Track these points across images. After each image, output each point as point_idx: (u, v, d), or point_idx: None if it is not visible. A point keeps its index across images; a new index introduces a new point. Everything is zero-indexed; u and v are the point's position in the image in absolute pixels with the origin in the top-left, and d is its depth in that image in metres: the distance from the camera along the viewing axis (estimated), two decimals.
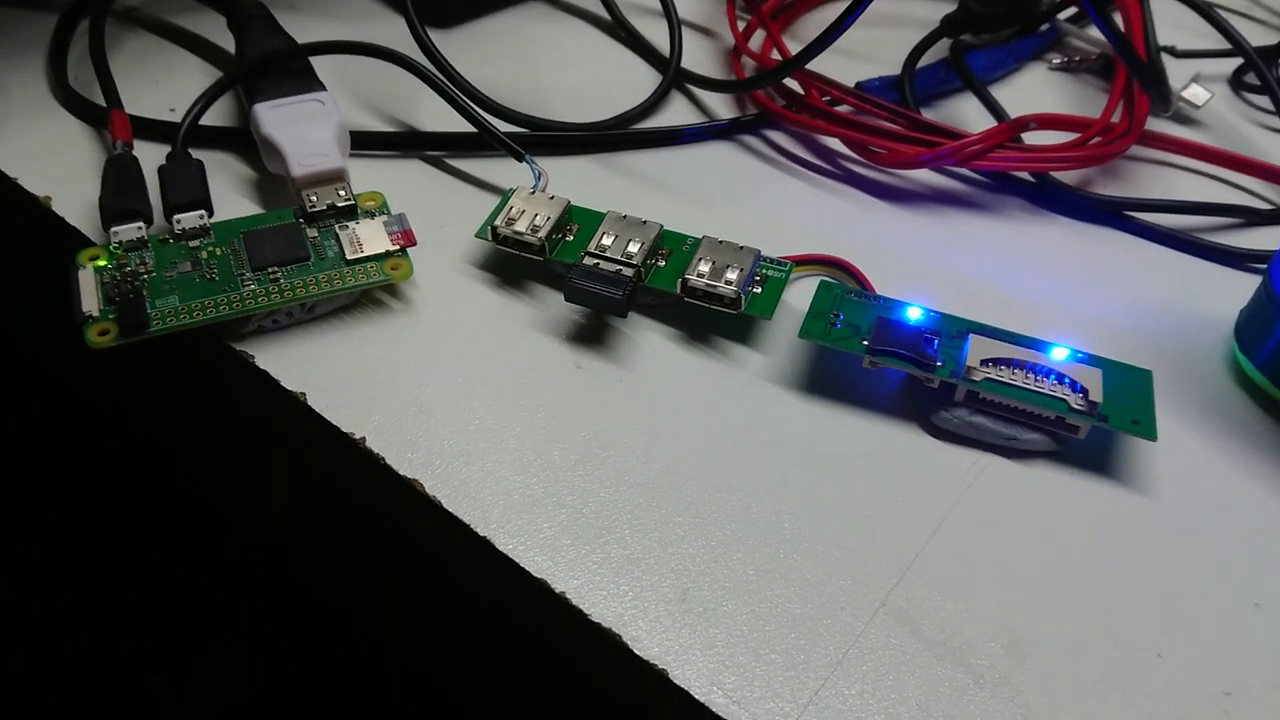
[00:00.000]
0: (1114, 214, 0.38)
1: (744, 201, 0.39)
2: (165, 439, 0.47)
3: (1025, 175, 0.39)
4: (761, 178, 0.40)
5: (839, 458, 0.30)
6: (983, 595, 0.27)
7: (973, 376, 0.30)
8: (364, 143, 0.39)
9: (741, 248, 0.33)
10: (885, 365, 0.31)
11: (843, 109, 0.41)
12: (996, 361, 0.30)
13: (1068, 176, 0.39)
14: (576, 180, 0.38)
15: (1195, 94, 0.43)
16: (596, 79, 0.44)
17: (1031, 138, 0.39)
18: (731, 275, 0.32)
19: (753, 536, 0.28)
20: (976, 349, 0.30)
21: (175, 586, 0.50)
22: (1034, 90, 0.45)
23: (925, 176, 0.39)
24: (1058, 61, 0.46)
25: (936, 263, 0.36)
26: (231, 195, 0.37)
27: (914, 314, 0.32)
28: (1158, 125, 0.41)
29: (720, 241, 0.33)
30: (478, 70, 0.42)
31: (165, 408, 0.43)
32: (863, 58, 0.44)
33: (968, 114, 0.43)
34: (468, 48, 0.45)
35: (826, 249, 0.36)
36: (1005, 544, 0.28)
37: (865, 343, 0.31)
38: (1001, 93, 0.43)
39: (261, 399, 0.32)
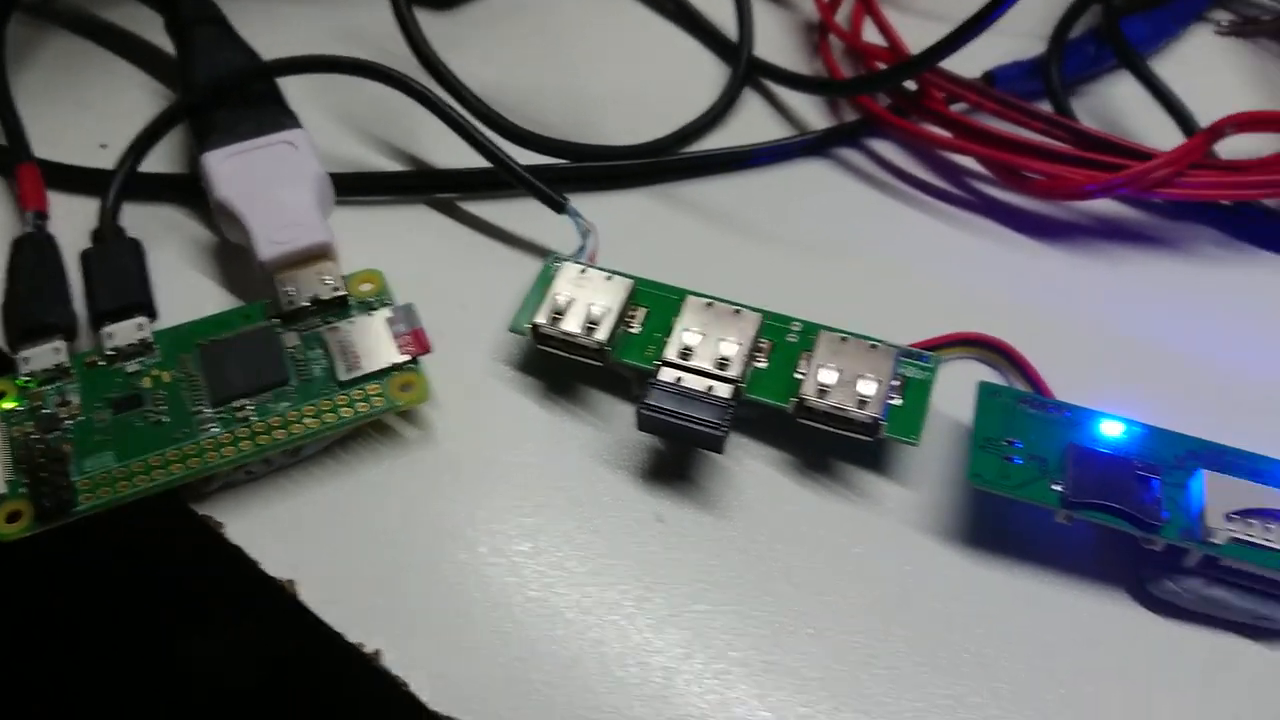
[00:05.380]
0: None
1: (847, 244, 0.30)
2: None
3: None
4: (867, 208, 0.31)
5: (1028, 647, 0.22)
6: None
7: (1213, 539, 0.22)
8: (350, 186, 0.30)
9: (875, 346, 0.24)
10: (1090, 520, 0.22)
11: (962, 107, 0.31)
12: (1244, 513, 0.22)
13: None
14: (625, 224, 0.29)
15: None
16: (643, 73, 0.34)
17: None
18: (866, 390, 0.23)
19: None
20: (1216, 495, 0.22)
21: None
22: (1202, 64, 0.35)
23: (1087, 204, 0.30)
24: (1227, 23, 0.36)
25: (1115, 330, 0.28)
26: (184, 274, 0.28)
27: (1113, 431, 0.24)
28: None
29: (844, 338, 0.24)
30: (489, 68, 0.33)
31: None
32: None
33: (1123, 100, 0.33)
34: (475, 35, 0.35)
35: (964, 314, 0.27)
36: None
37: (1059, 488, 0.22)
38: (1163, 68, 0.34)
39: (231, 583, 0.24)
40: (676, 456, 0.25)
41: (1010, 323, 0.27)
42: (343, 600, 0.23)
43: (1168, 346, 0.27)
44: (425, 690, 0.21)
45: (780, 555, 0.23)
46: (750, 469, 0.25)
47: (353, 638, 0.22)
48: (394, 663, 0.22)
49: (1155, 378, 0.27)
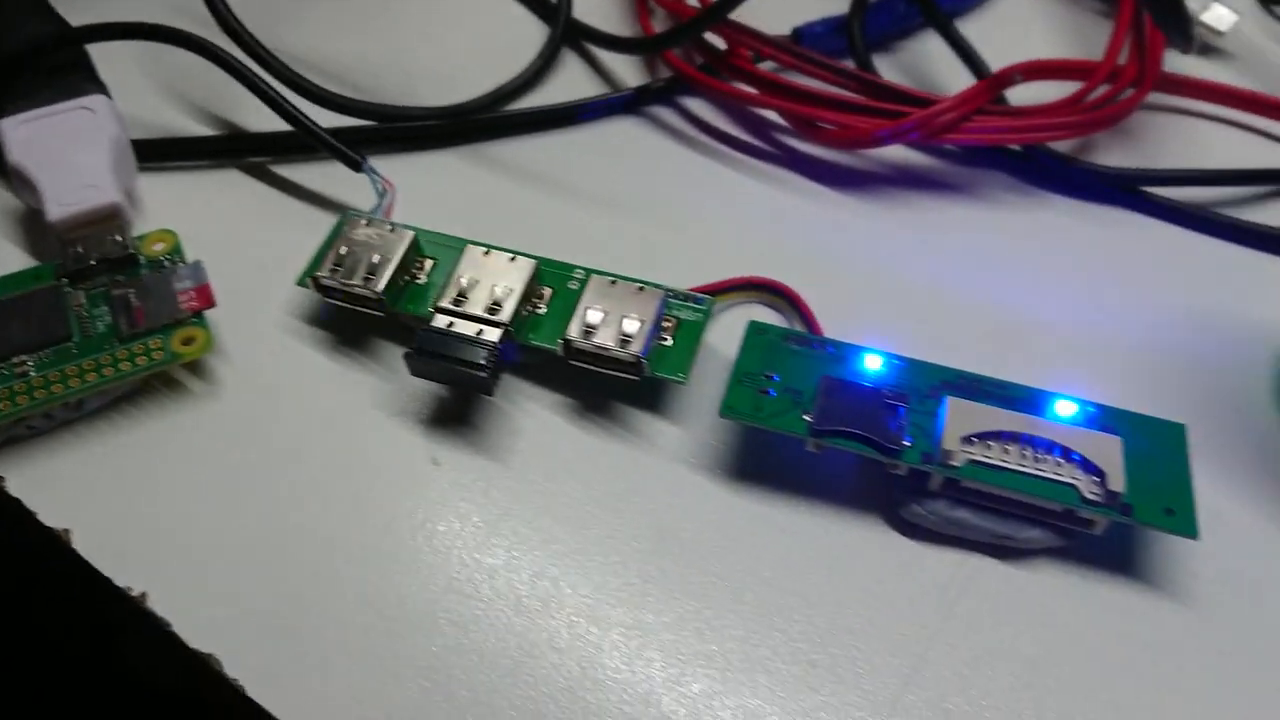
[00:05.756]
0: (1125, 190, 0.30)
1: (655, 199, 0.30)
2: None
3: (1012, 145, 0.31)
4: (677, 164, 0.31)
5: (779, 572, 0.23)
6: None
7: (952, 461, 0.22)
8: (161, 152, 0.30)
9: (642, 288, 0.25)
10: (836, 448, 0.23)
11: (769, 65, 0.32)
12: (983, 436, 0.23)
13: (1064, 143, 0.31)
14: (438, 185, 0.30)
15: (1217, 17, 0.34)
16: (469, 39, 0.35)
17: (1018, 93, 0.31)
18: (630, 328, 0.24)
19: (652, 690, 0.21)
20: (956, 419, 0.23)
21: None
22: (1015, 21, 0.36)
23: (886, 153, 0.31)
24: None
25: (901, 273, 0.28)
26: None
27: (873, 364, 0.24)
28: (1174, 64, 0.32)
29: (613, 281, 0.25)
30: (322, 41, 0.34)
31: None
32: None
33: (935, 60, 0.34)
34: (304, 8, 0.35)
35: (761, 260, 0.28)
36: (1005, 679, 0.21)
37: (808, 418, 0.23)
38: (976, 26, 0.35)
39: (10, 534, 0.24)
40: (459, 403, 0.26)
41: (802, 268, 0.28)
42: (114, 547, 0.23)
43: (953, 288, 0.28)
44: (186, 629, 0.22)
45: (551, 492, 0.24)
46: (529, 412, 0.25)
47: (120, 582, 0.22)
48: (158, 604, 0.22)
49: (933, 317, 0.27)
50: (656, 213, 0.30)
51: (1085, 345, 0.27)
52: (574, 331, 0.24)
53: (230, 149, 0.30)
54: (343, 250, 0.26)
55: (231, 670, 0.21)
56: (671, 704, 0.21)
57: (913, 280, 0.28)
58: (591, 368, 0.25)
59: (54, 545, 0.23)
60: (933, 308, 0.28)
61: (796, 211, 0.30)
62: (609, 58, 0.34)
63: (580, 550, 0.23)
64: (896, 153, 0.31)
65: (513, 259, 0.25)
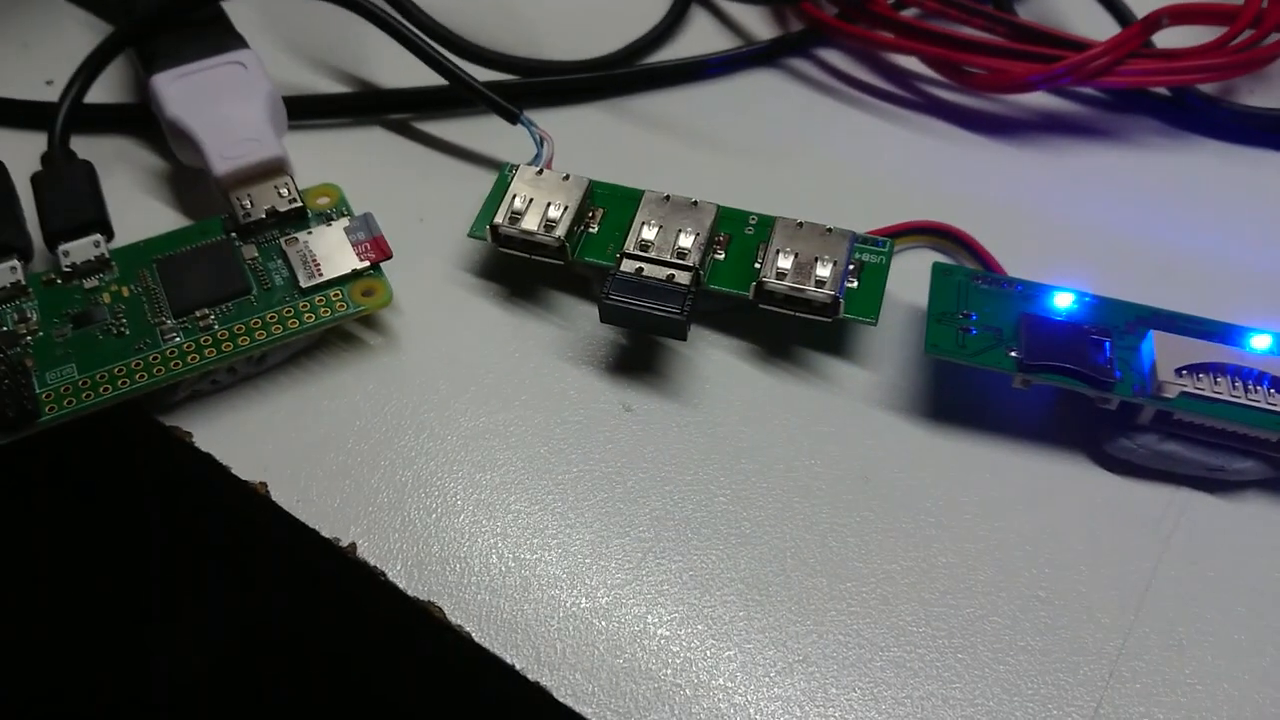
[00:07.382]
0: (1273, 130, 0.30)
1: (798, 147, 0.30)
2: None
3: (1160, 89, 0.31)
4: (818, 114, 0.31)
5: (989, 510, 0.23)
6: (1215, 686, 0.20)
7: (1166, 393, 0.22)
8: (303, 110, 0.29)
9: (830, 230, 0.25)
10: (1045, 383, 0.23)
11: (911, 12, 0.32)
12: (1193, 369, 0.23)
13: (1208, 85, 0.31)
14: (580, 138, 0.29)
15: None
16: None
17: (1162, 37, 0.31)
18: (823, 271, 0.24)
19: (879, 635, 0.21)
20: (1166, 353, 0.23)
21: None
22: None
23: (1029, 99, 0.31)
24: None
25: (1062, 216, 0.28)
26: (138, 199, 0.28)
27: (1064, 302, 0.24)
28: None
29: (800, 224, 0.25)
30: None
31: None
32: None
33: (1063, 3, 0.34)
34: None
35: (917, 207, 0.28)
36: (1233, 609, 0.21)
37: (1014, 354, 0.23)
38: None
39: (205, 491, 0.24)
40: (640, 350, 0.25)
41: (958, 213, 0.27)
42: (314, 499, 0.23)
43: (1112, 229, 0.28)
44: (402, 578, 0.22)
45: (745, 436, 0.24)
46: (712, 358, 0.25)
47: (327, 533, 0.22)
48: (369, 553, 0.22)
49: (1101, 258, 0.27)
50: (802, 162, 0.30)
51: (1257, 281, 0.27)
52: (768, 275, 0.24)
53: (374, 105, 0.30)
54: (517, 200, 0.25)
55: (455, 618, 0.21)
56: (903, 618, 0.21)
57: (1074, 222, 0.28)
58: (781, 310, 0.24)
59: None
60: (1098, 248, 0.27)
61: (943, 157, 0.30)
62: (735, 9, 0.34)
63: (785, 491, 0.23)
64: (1040, 99, 0.31)
65: (694, 204, 0.25)
